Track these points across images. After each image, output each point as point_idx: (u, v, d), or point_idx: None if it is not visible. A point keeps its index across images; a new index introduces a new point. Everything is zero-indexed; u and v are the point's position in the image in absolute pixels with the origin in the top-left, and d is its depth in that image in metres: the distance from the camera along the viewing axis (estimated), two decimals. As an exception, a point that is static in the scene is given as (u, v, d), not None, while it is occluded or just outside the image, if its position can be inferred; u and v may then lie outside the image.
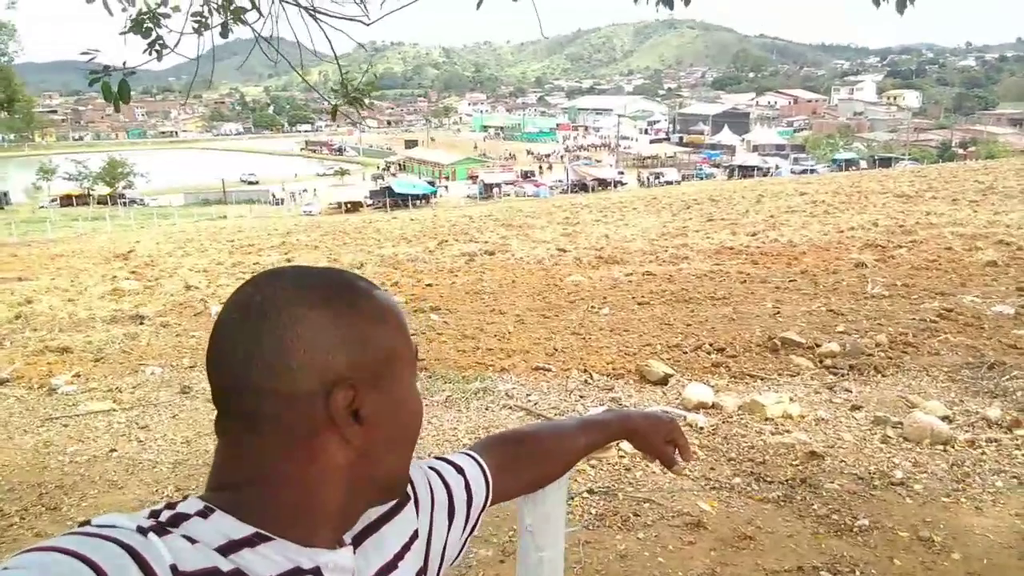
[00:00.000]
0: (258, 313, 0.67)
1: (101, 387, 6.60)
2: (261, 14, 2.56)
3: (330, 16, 2.55)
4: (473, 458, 1.02)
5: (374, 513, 0.80)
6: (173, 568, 0.59)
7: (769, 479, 4.08)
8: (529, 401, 5.63)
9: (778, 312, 8.23)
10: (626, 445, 4.52)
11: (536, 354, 7.04)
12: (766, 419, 4.97)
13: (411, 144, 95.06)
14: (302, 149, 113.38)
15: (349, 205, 44.70)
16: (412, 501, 0.87)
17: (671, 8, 2.61)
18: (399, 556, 0.81)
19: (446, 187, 56.46)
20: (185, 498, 0.68)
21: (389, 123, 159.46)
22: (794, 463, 4.26)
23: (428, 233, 21.12)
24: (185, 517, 0.65)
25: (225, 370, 0.68)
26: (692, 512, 3.72)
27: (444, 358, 7.00)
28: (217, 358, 0.69)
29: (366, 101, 3.06)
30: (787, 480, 4.05)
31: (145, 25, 2.46)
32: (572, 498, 3.95)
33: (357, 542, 0.77)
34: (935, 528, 3.43)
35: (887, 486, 3.90)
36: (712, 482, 4.11)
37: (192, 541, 0.62)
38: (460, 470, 0.98)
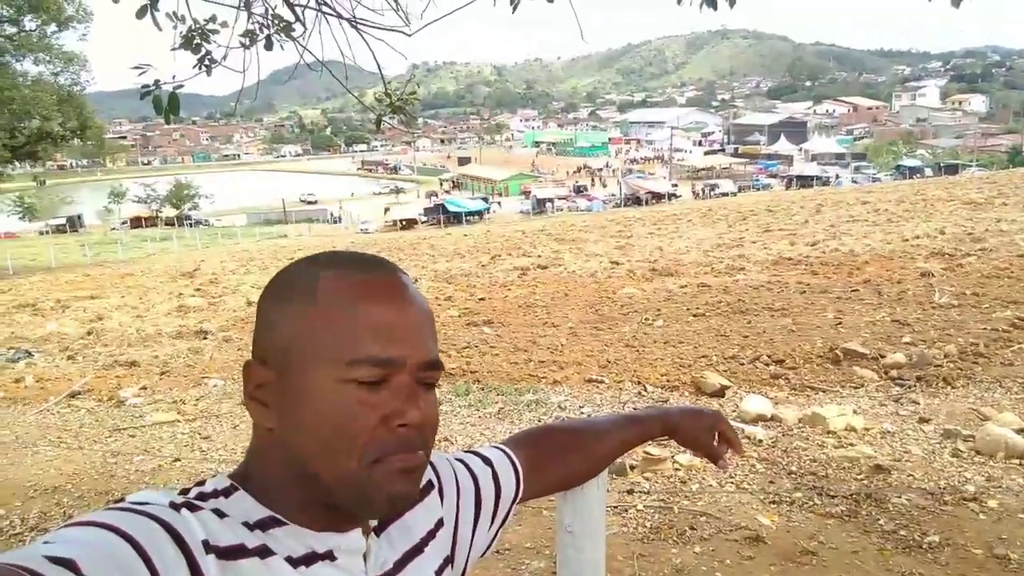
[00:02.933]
0: (275, 301, 0.72)
1: (166, 399, 6.81)
2: (304, 26, 2.63)
3: (371, 27, 2.60)
4: (504, 451, 1.01)
5: None
6: (205, 543, 0.60)
7: (832, 493, 3.94)
8: (582, 413, 5.57)
9: (840, 323, 7.99)
10: (682, 457, 4.45)
11: (589, 366, 6.98)
12: (828, 432, 4.81)
13: (464, 161, 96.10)
14: (358, 169, 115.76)
15: (404, 222, 45.36)
16: (436, 490, 0.87)
17: (714, 8, 2.57)
18: (425, 541, 0.81)
19: (499, 203, 56.80)
20: (215, 475, 0.70)
21: (442, 141, 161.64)
22: (858, 477, 4.11)
23: (481, 248, 21.25)
24: (211, 494, 0.67)
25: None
26: (751, 526, 3.61)
27: (496, 371, 7.00)
28: None
29: (408, 109, 3.10)
30: (851, 494, 3.90)
31: (195, 41, 2.56)
32: (627, 510, 3.89)
33: (381, 528, 0.77)
34: (1012, 545, 3.26)
35: (959, 501, 3.72)
36: (772, 496, 3.99)
37: (220, 516, 0.64)
38: (488, 462, 0.97)
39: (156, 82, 2.36)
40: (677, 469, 4.35)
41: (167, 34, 2.62)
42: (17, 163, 29.62)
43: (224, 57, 2.59)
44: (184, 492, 0.67)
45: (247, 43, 2.62)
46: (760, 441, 4.72)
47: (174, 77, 2.38)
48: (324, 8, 2.56)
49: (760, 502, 3.93)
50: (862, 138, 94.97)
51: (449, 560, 0.85)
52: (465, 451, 0.99)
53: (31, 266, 29.00)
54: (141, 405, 6.60)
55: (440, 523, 0.85)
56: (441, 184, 77.20)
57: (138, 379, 7.68)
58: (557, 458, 1.07)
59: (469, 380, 6.75)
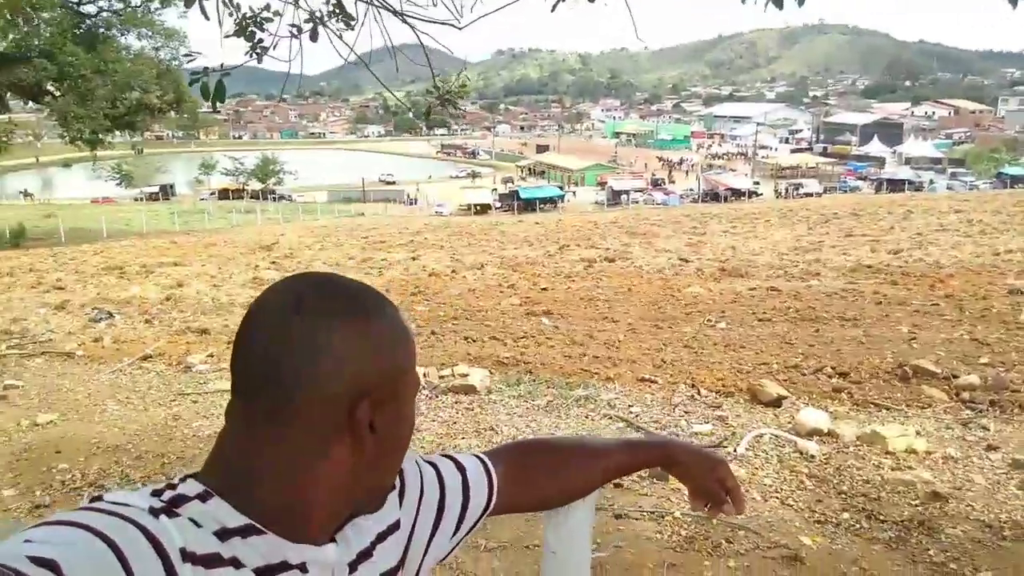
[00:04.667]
0: (299, 310, 0.70)
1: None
2: (352, 18, 2.64)
3: (420, 20, 2.59)
4: (482, 461, 0.99)
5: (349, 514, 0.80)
6: (182, 551, 0.61)
7: (882, 518, 3.77)
8: (631, 413, 5.50)
9: (914, 338, 7.61)
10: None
11: (644, 365, 6.87)
12: (887, 452, 4.60)
13: (542, 149, 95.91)
14: (437, 152, 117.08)
15: (478, 207, 45.69)
16: (396, 491, 0.86)
17: (780, 8, 2.45)
18: (374, 545, 0.80)
19: (574, 192, 56.55)
20: (184, 479, 0.69)
21: (522, 128, 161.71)
22: (913, 503, 3.91)
23: (551, 237, 21.20)
24: (186, 499, 0.66)
25: (259, 360, 0.69)
26: (791, 545, 3.49)
27: (550, 363, 6.97)
28: (252, 346, 0.70)
29: (458, 103, 3.09)
30: (903, 521, 3.72)
31: (249, 29, 2.61)
32: (663, 516, 3.82)
33: (336, 530, 0.77)
34: (1073, 591, 3.04)
35: (1019, 538, 3.49)
36: (817, 515, 3.84)
37: (197, 525, 0.64)
38: (462, 469, 0.96)
39: (205, 69, 2.42)
40: (721, 478, 4.24)
41: (228, 21, 2.68)
42: (117, 132, 31.13)
43: (274, 46, 2.64)
44: (157, 493, 0.67)
45: (295, 33, 2.65)
46: (812, 457, 4.55)
47: (222, 65, 2.43)
48: (375, 2, 2.57)
49: (804, 520, 3.79)
50: (963, 143, 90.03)
51: (401, 563, 0.85)
52: (442, 454, 0.98)
53: (124, 231, 30.58)
54: (206, 372, 6.87)
55: (396, 525, 0.84)
56: (517, 170, 77.32)
57: (207, 346, 7.99)
58: (540, 476, 1.04)
59: (521, 370, 6.74)
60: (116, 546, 0.56)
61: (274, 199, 56.60)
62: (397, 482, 0.87)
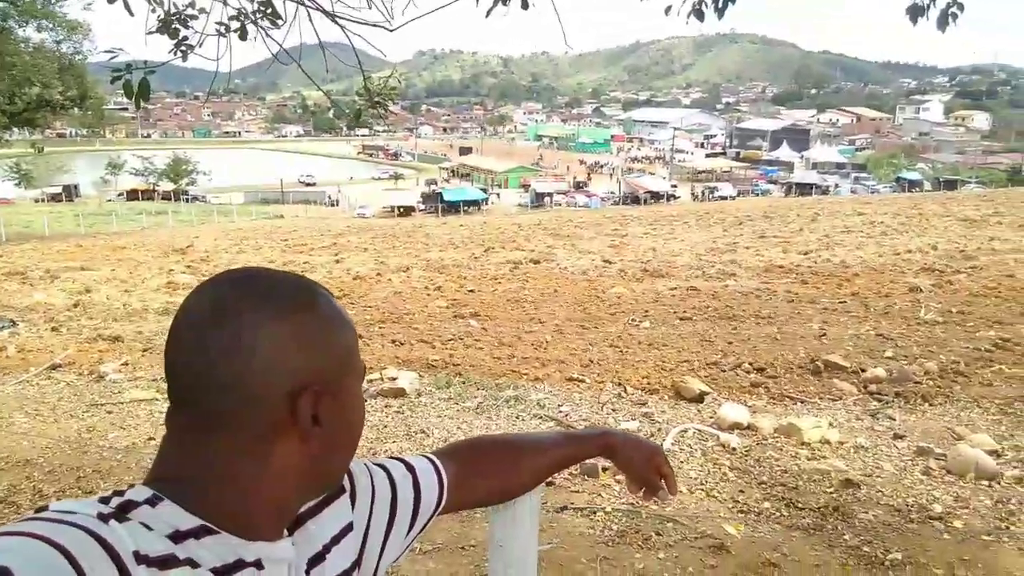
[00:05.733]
0: (223, 313, 0.69)
1: (147, 376, 6.79)
2: (281, 18, 2.60)
3: (352, 21, 2.58)
4: (431, 460, 1.00)
5: (304, 505, 0.81)
6: (135, 554, 0.60)
7: (800, 505, 3.96)
8: (560, 412, 5.58)
9: (824, 334, 8.01)
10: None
11: (571, 365, 6.98)
12: (802, 443, 4.83)
13: (465, 151, 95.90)
14: (359, 153, 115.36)
15: (401, 209, 45.28)
16: (348, 494, 0.87)
17: (701, 20, 2.56)
18: (327, 548, 0.81)
19: (498, 195, 56.75)
20: (131, 486, 0.69)
21: (445, 130, 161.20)
22: (828, 490, 4.12)
23: (476, 239, 21.23)
24: (135, 504, 0.66)
25: (186, 367, 0.69)
26: (716, 535, 3.63)
27: (479, 364, 7.00)
28: (178, 354, 0.70)
29: (389, 106, 3.08)
30: (819, 508, 3.92)
31: (173, 26, 2.53)
32: (595, 512, 3.90)
33: (294, 527, 0.78)
34: (972, 567, 3.28)
35: (925, 520, 3.74)
36: (740, 505, 4.00)
37: (148, 528, 0.63)
38: (411, 469, 0.97)
39: (128, 66, 2.34)
40: (649, 473, 4.36)
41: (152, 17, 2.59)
42: (15, 129, 29.41)
43: (200, 44, 2.56)
44: (104, 500, 0.66)
45: (223, 31, 2.59)
46: (734, 449, 4.73)
47: (146, 63, 2.36)
48: (306, 2, 2.53)
49: (728, 511, 3.95)
50: (864, 149, 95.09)
51: (356, 564, 0.85)
52: (391, 457, 0.99)
53: (24, 233, 28.85)
54: (121, 381, 6.58)
55: (349, 528, 0.85)
56: (441, 172, 77.04)
57: (120, 354, 7.65)
58: (488, 471, 1.07)
59: (451, 372, 6.74)
60: (67, 552, 0.55)
61: (187, 200, 54.49)
62: (347, 485, 0.87)
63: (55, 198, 53.43)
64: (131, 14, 2.39)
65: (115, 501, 0.65)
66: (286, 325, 0.70)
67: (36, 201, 51.82)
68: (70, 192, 56.06)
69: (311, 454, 0.72)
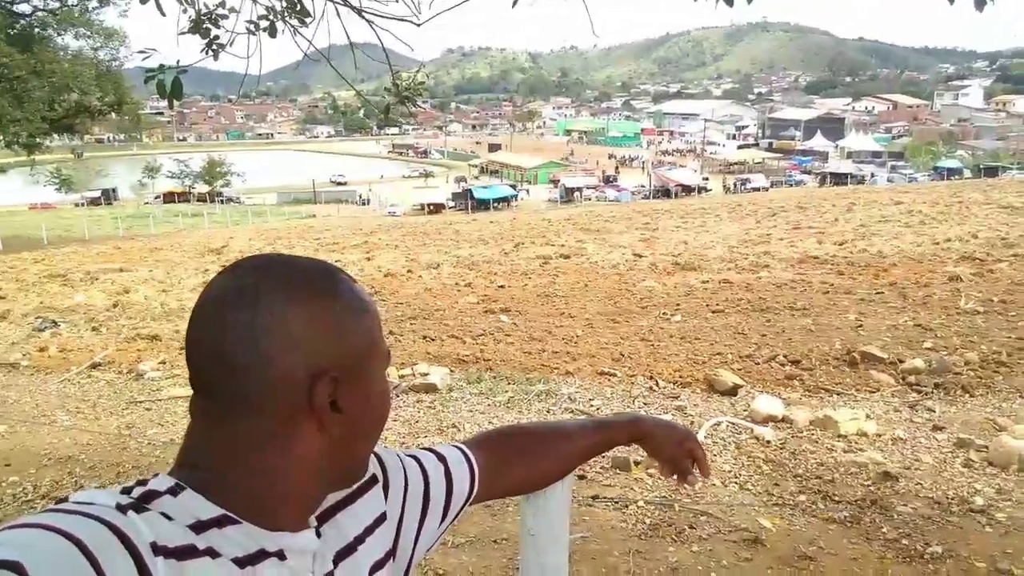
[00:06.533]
0: (244, 298, 0.68)
1: (184, 374, 6.88)
2: (308, 15, 2.62)
3: (379, 16, 2.59)
4: (461, 450, 1.00)
5: (334, 496, 0.80)
6: (153, 545, 0.59)
7: (837, 498, 3.89)
8: (591, 406, 5.56)
9: (861, 325, 7.87)
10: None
11: (602, 359, 6.95)
12: (839, 436, 4.75)
13: (494, 148, 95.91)
14: (389, 152, 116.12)
15: (432, 207, 45.48)
16: (380, 484, 0.86)
17: (731, 6, 2.52)
18: (360, 539, 0.80)
19: (527, 191, 56.68)
20: (155, 475, 0.68)
21: (474, 127, 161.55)
22: (865, 483, 4.05)
23: (506, 236, 21.24)
24: (157, 494, 0.65)
25: (208, 352, 0.68)
26: (751, 528, 3.58)
27: (509, 359, 7.01)
28: (200, 340, 0.69)
29: (414, 99, 3.08)
30: (856, 500, 3.85)
31: (204, 26, 2.56)
32: (627, 506, 3.88)
33: (319, 523, 0.77)
34: (1016, 560, 3.19)
35: (965, 513, 3.65)
36: (775, 498, 3.95)
37: (168, 518, 0.63)
38: (443, 459, 0.97)
39: (161, 66, 2.37)
40: (681, 467, 4.32)
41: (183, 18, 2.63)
42: (56, 135, 30.09)
43: (231, 43, 2.59)
44: (127, 491, 0.66)
45: (253, 30, 2.62)
46: (768, 442, 4.67)
47: (178, 62, 2.39)
48: (334, -3, 2.55)
49: (763, 504, 3.90)
50: (901, 137, 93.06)
51: (391, 554, 0.85)
52: (422, 448, 0.99)
53: (65, 237, 29.60)
54: (159, 379, 6.71)
55: (383, 517, 0.85)
56: (470, 169, 77.21)
57: (158, 353, 7.81)
58: (518, 460, 1.06)
59: (482, 368, 6.76)
60: (83, 544, 0.55)
61: (221, 202, 55.34)
62: (380, 475, 0.87)
63: (94, 202, 54.65)
64: (163, 14, 2.43)
65: (137, 491, 0.65)
66: (305, 309, 0.69)
67: (76, 205, 53.07)
68: (109, 196, 57.31)
69: (331, 442, 0.71)
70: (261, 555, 0.67)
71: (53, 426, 5.26)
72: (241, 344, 0.67)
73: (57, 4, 26.18)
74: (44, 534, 0.55)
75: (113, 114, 30.76)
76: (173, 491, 0.66)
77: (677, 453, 1.12)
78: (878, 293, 9.70)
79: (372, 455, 0.88)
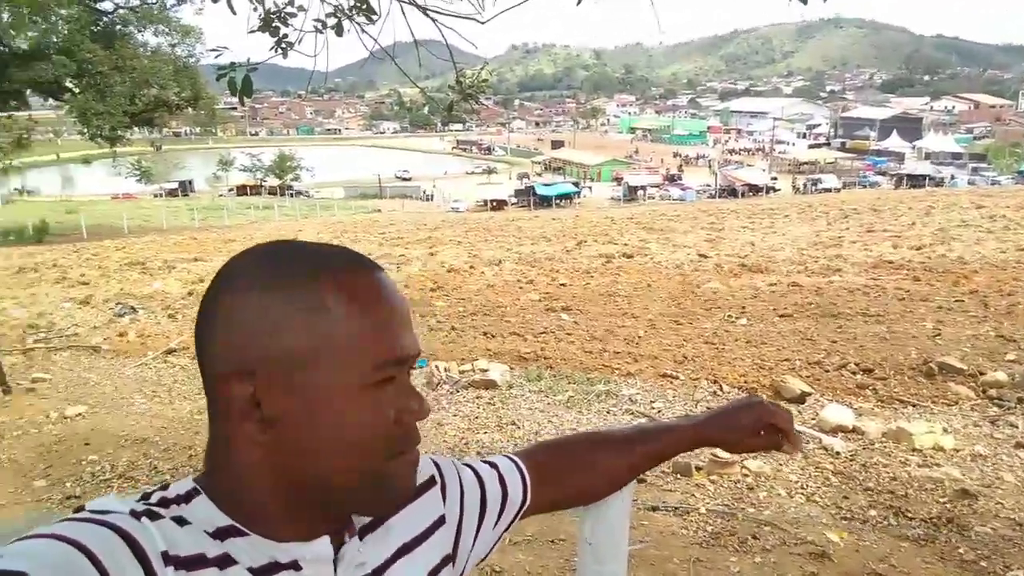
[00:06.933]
0: (219, 279, 0.65)
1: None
2: (374, 13, 2.64)
3: (442, 14, 2.59)
4: (513, 461, 0.97)
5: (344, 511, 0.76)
6: (164, 554, 0.58)
7: (910, 515, 3.74)
8: (652, 408, 5.49)
9: (938, 334, 7.54)
10: (750, 463, 4.31)
11: (665, 361, 6.85)
12: (913, 449, 4.57)
13: (557, 145, 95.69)
14: (453, 148, 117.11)
15: (494, 203, 45.66)
16: (438, 486, 0.84)
17: (805, 3, 2.43)
18: (419, 540, 0.79)
19: (590, 188, 56.33)
20: (180, 480, 0.68)
21: (537, 124, 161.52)
22: (941, 500, 3.88)
23: (568, 233, 21.15)
24: (173, 500, 0.64)
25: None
26: (818, 541, 3.47)
27: (570, 358, 6.98)
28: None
29: (480, 98, 3.07)
30: (931, 518, 3.69)
31: (273, 24, 2.62)
32: (688, 512, 3.81)
33: (368, 528, 0.74)
34: (1108, 590, 3.01)
35: (1051, 536, 3.46)
36: (844, 512, 3.82)
37: (181, 524, 0.62)
38: (495, 467, 0.94)
39: (232, 64, 2.44)
40: (746, 475, 4.23)
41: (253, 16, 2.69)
42: (136, 129, 31.37)
43: (299, 41, 2.65)
44: (146, 497, 0.65)
45: (320, 28, 2.67)
46: (838, 453, 4.53)
47: (248, 60, 2.45)
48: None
49: (831, 517, 3.78)
50: (983, 138, 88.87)
51: (450, 559, 0.83)
52: (472, 460, 0.98)
53: (144, 227, 30.84)
54: (229, 366, 6.91)
55: (441, 520, 0.83)
56: (533, 166, 77.24)
57: (229, 341, 8.04)
58: (572, 472, 1.01)
59: (542, 365, 6.75)
60: (91, 553, 0.54)
61: (291, 195, 56.83)
62: (438, 478, 0.85)
63: (172, 193, 56.83)
64: (234, 12, 2.49)
65: (156, 496, 0.64)
66: (260, 296, 0.62)
67: (155, 196, 55.27)
68: (185, 188, 59.54)
69: (268, 452, 0.64)
70: (274, 567, 0.65)
71: (130, 409, 5.48)
72: (203, 335, 0.64)
73: (138, 1, 27.28)
74: (52, 543, 0.54)
75: (190, 109, 31.87)
76: (188, 496, 0.65)
77: (759, 442, 1.02)
78: (957, 301, 9.28)
79: (429, 460, 0.86)
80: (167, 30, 27.76)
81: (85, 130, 28.89)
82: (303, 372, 0.62)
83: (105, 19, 27.02)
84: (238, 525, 0.64)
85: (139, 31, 27.92)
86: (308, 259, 0.66)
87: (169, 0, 27.40)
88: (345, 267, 0.66)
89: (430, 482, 0.84)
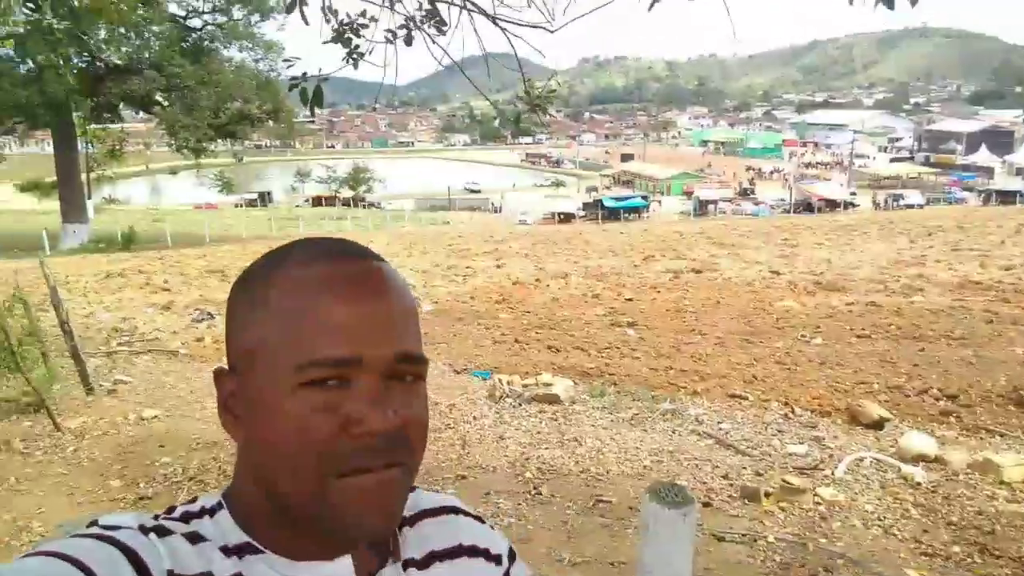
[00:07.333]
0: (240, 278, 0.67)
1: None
2: (445, 24, 2.66)
3: (513, 23, 2.58)
4: None
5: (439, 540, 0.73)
6: (170, 572, 0.57)
7: (997, 553, 3.51)
8: (720, 430, 5.33)
9: (1030, 360, 7.11)
10: (824, 490, 4.13)
11: (733, 380, 6.67)
12: (1001, 482, 4.29)
13: (627, 157, 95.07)
14: (522, 161, 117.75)
15: (562, 216, 45.62)
16: (501, 569, 0.77)
17: (891, 8, 2.31)
18: (452, 552, 0.73)
19: (659, 202, 55.67)
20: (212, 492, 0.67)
21: (607, 136, 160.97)
22: (1033, 539, 3.62)
23: (636, 247, 20.93)
24: (198, 514, 0.63)
25: None
26: (895, 577, 3.29)
27: (635, 375, 6.86)
28: None
29: (548, 108, 3.05)
30: (1021, 557, 3.45)
31: (346, 35, 2.67)
32: (756, 540, 3.67)
33: (411, 565, 0.69)
34: None
35: None
36: (924, 546, 3.61)
37: (194, 541, 0.60)
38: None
39: (304, 74, 2.49)
40: (818, 503, 4.05)
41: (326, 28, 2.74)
42: (219, 141, 32.67)
43: (370, 51, 2.68)
44: (170, 510, 0.64)
45: (391, 39, 2.70)
46: (918, 484, 4.29)
47: (320, 70, 2.49)
48: (468, 5, 2.58)
49: (910, 551, 3.57)
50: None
51: None
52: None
53: (225, 236, 32.03)
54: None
55: (487, 554, 0.76)
56: (601, 179, 76.94)
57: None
58: None
59: (606, 381, 6.66)
60: (90, 570, 0.53)
61: (364, 206, 58.16)
62: (505, 561, 0.77)
63: (251, 203, 58.98)
64: (306, 23, 2.55)
65: (180, 510, 0.63)
66: (236, 295, 0.64)
67: (236, 206, 57.43)
68: (264, 198, 61.71)
69: (242, 448, 0.63)
70: None
71: (203, 414, 5.65)
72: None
73: (224, 19, 28.52)
74: (50, 562, 0.53)
75: (270, 121, 33.07)
76: (213, 510, 0.63)
77: None
78: (1052, 325, 8.74)
79: (503, 541, 0.78)
80: (251, 45, 28.87)
81: (173, 142, 30.31)
82: (251, 371, 0.61)
83: (194, 35, 28.36)
84: (254, 543, 0.62)
85: (225, 47, 29.17)
86: (286, 253, 0.64)
87: (254, 17, 28.54)
88: (307, 260, 0.63)
89: (494, 559, 0.77)
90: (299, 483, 0.59)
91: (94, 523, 0.61)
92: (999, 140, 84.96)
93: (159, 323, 9.77)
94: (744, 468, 4.55)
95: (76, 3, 20.17)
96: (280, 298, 0.61)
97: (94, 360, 7.07)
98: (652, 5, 2.54)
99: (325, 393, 0.58)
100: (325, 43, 2.67)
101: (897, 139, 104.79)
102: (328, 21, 2.64)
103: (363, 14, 2.70)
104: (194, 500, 0.66)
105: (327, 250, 0.64)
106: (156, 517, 0.62)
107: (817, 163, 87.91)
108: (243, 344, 0.62)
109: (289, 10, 2.52)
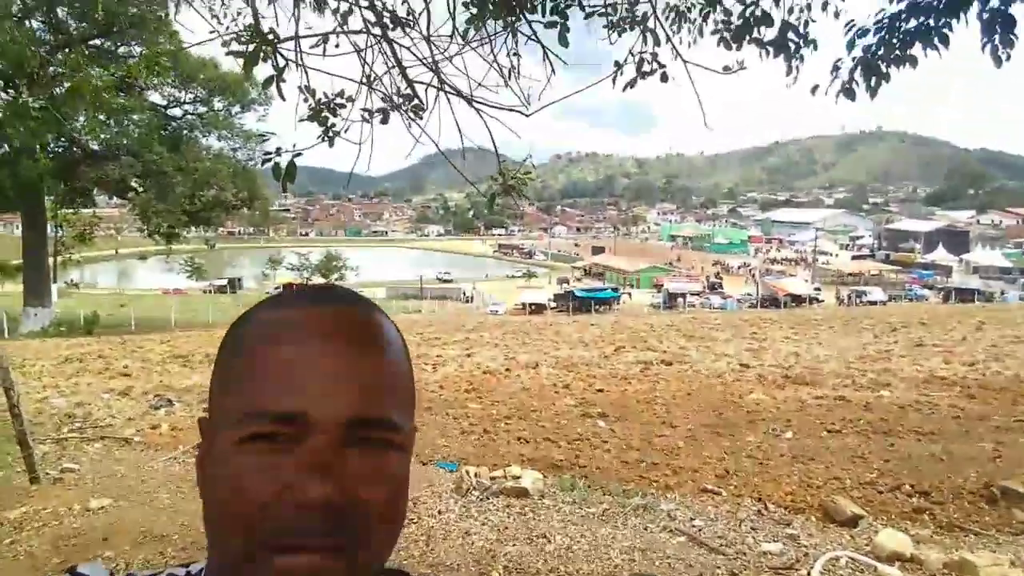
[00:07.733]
0: None
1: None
2: (423, 108, 2.71)
3: (489, 106, 2.64)
4: None
5: None
6: None
7: (981, 660, 3.37)
8: (693, 527, 5.18)
9: (999, 456, 7.10)
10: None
11: (705, 475, 6.54)
12: (979, 584, 4.18)
13: (598, 250, 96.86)
14: (495, 252, 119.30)
15: (533, 307, 45.88)
16: None
17: (852, 99, 2.41)
18: None
19: (629, 294, 56.45)
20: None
21: (578, 229, 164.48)
22: (1015, 645, 3.50)
23: (606, 338, 20.98)
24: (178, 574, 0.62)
25: None
26: None
27: (606, 468, 6.71)
28: None
29: (521, 189, 3.08)
30: (1005, 666, 3.32)
31: (323, 114, 2.70)
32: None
33: None
34: None
35: None
36: (905, 653, 3.46)
37: None
38: None
39: (277, 150, 2.50)
40: (794, 605, 3.90)
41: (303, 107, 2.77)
42: (193, 227, 32.71)
43: (346, 129, 2.72)
44: (184, 566, 0.63)
45: (367, 117, 2.74)
46: (895, 584, 4.16)
47: (294, 146, 2.51)
48: (445, 88, 2.64)
49: (891, 658, 3.42)
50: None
51: None
52: None
53: (191, 321, 31.58)
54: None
55: None
56: (573, 271, 78.02)
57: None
58: None
59: (576, 474, 6.49)
60: None
61: (335, 294, 58.06)
62: None
63: (220, 289, 58.61)
64: (283, 99, 2.58)
65: (194, 567, 0.62)
66: (232, 333, 0.62)
67: (204, 292, 57.00)
68: (234, 284, 61.43)
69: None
70: None
71: (154, 504, 5.38)
72: None
73: (205, 109, 29.08)
74: None
75: (245, 208, 33.29)
76: (198, 572, 0.61)
77: None
78: (1017, 421, 8.80)
79: None
80: (230, 135, 29.36)
81: (145, 227, 30.26)
82: (215, 416, 0.58)
83: (174, 124, 28.79)
84: None
85: (204, 135, 29.61)
86: (273, 296, 0.63)
87: (234, 108, 29.14)
88: (283, 302, 0.59)
89: None
90: (227, 553, 0.52)
91: (73, 568, 0.60)
92: (955, 239, 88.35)
93: (115, 409, 9.43)
94: (719, 567, 4.40)
95: (55, 90, 20.45)
96: (245, 341, 0.57)
97: (43, 447, 6.75)
98: (627, 86, 2.62)
99: (270, 450, 0.51)
100: (301, 120, 2.70)
101: (858, 237, 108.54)
102: (306, 100, 2.68)
103: (340, 94, 2.75)
104: (188, 564, 0.63)
105: (310, 293, 0.59)
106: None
107: (782, 259, 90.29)
108: (212, 389, 0.59)
109: (266, 85, 2.55)
